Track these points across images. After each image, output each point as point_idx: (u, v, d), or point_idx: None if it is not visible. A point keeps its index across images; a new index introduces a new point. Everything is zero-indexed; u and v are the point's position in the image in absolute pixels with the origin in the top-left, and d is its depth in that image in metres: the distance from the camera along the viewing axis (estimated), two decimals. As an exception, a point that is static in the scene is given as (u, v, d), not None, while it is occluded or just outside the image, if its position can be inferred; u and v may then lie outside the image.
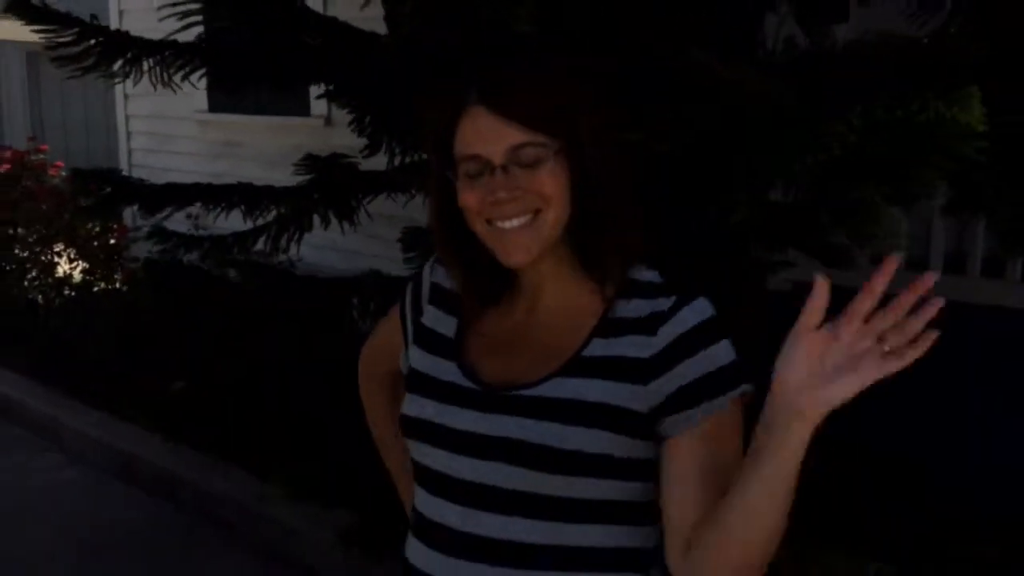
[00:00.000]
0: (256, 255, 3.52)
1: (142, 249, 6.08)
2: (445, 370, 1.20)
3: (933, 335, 0.89)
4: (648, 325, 1.11)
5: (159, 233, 3.05)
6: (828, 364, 0.93)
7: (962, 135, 1.29)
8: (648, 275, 1.17)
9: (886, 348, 0.91)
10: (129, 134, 7.31)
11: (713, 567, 1.04)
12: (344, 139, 3.16)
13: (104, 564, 3.63)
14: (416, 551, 1.19)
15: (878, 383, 0.93)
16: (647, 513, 1.15)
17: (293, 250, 3.72)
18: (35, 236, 6.09)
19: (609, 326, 1.13)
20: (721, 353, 1.10)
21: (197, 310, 3.37)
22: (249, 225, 3.17)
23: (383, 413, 1.43)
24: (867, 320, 0.92)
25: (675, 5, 2.18)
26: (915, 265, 4.04)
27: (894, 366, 0.90)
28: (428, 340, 1.25)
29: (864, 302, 0.91)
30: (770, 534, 1.00)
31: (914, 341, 0.90)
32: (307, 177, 3.05)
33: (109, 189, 3.18)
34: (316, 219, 3.17)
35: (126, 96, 7.12)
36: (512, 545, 1.10)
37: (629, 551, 1.14)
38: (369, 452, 1.56)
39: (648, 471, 1.12)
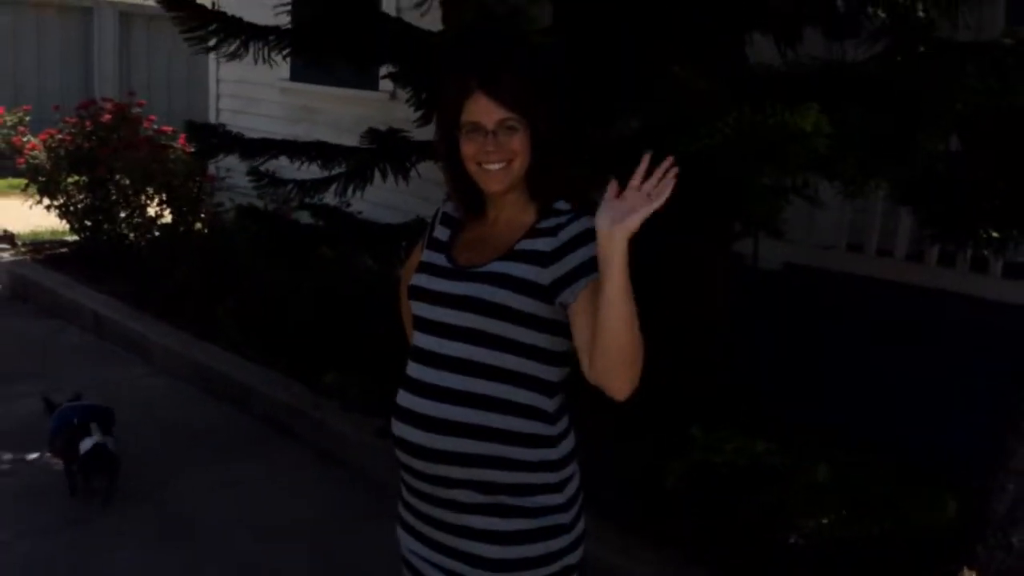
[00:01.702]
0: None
1: (223, 198, 6.89)
2: (438, 259, 1.94)
3: (671, 181, 1.65)
4: (554, 231, 1.83)
5: (255, 173, 3.79)
6: (623, 210, 1.65)
7: (797, 134, 1.94)
8: (561, 204, 1.89)
9: (650, 196, 1.65)
10: (218, 96, 8.13)
11: (603, 364, 1.72)
12: (404, 112, 3.86)
13: (185, 452, 4.41)
14: (402, 396, 1.90)
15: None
16: (553, 358, 1.85)
17: (356, 206, 4.45)
18: (129, 180, 6.82)
19: (533, 232, 1.85)
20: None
21: (276, 250, 4.09)
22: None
23: (411, 315, 2.15)
24: (639, 188, 1.67)
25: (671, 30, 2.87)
26: (883, 253, 4.63)
27: (656, 203, 1.65)
28: (433, 244, 2.00)
29: (636, 181, 1.67)
30: (627, 334, 1.68)
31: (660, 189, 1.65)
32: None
33: (215, 139, 3.94)
34: (377, 175, 3.89)
35: (218, 62, 7.87)
36: (468, 362, 1.82)
37: (540, 380, 1.85)
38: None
39: (549, 327, 1.81)
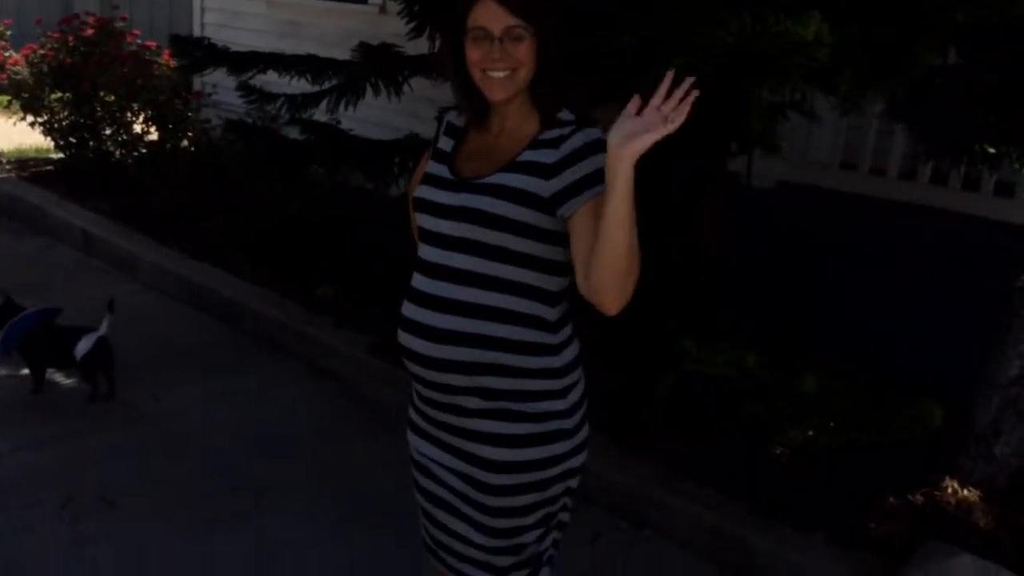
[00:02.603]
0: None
1: (209, 114, 6.79)
2: (440, 170, 1.93)
3: (689, 103, 1.61)
4: (556, 143, 1.81)
5: (245, 87, 3.73)
6: (637, 128, 1.62)
7: (798, 44, 1.91)
8: (566, 115, 1.86)
9: (667, 118, 1.62)
10: (203, 10, 7.95)
11: (598, 280, 1.73)
12: (395, 27, 3.79)
13: (177, 368, 4.44)
14: (406, 307, 1.92)
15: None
16: (555, 267, 1.85)
17: (346, 124, 4.38)
18: (114, 96, 6.70)
19: (536, 143, 1.83)
20: (600, 160, 1.75)
21: (266, 165, 4.06)
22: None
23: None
24: (658, 108, 1.63)
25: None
26: (876, 172, 4.64)
27: (671, 127, 1.61)
28: (438, 155, 1.98)
29: (657, 100, 1.63)
30: (626, 248, 1.68)
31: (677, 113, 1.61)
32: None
33: (200, 53, 3.86)
34: (368, 93, 3.83)
35: (202, -26, 7.70)
36: (470, 273, 1.83)
37: (542, 289, 1.86)
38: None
39: (549, 237, 1.81)
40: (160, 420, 3.95)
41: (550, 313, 1.88)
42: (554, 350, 1.89)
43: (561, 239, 1.82)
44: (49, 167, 7.35)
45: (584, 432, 1.97)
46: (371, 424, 4.00)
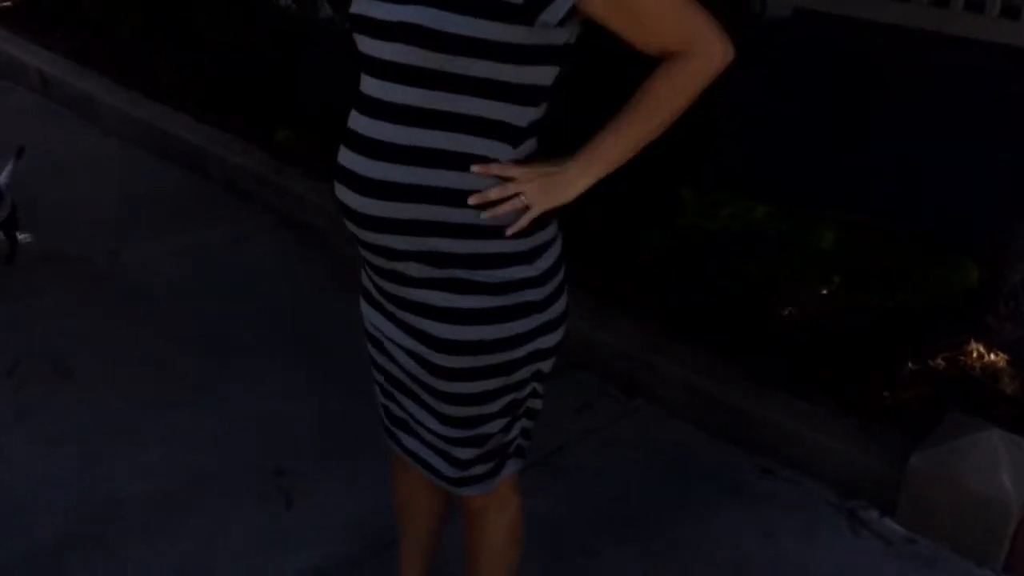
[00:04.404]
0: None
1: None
2: None
3: None
4: None
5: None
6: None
7: None
8: None
9: None
10: None
11: None
12: None
13: (142, 220, 4.11)
14: (341, 153, 1.55)
15: None
16: (523, 95, 1.46)
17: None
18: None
19: None
20: None
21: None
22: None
23: None
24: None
25: None
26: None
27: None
28: None
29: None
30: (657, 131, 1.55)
31: None
32: None
33: None
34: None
35: None
36: (410, 109, 1.45)
37: (503, 124, 1.47)
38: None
39: (520, 55, 1.41)
40: (119, 278, 3.65)
41: (511, 154, 1.50)
42: None
43: (538, 56, 1.43)
44: (7, 3, 6.82)
45: (560, 305, 1.62)
46: (344, 281, 3.68)
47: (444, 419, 1.66)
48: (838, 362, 2.77)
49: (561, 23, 1.40)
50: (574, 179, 1.53)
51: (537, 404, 1.79)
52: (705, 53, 1.47)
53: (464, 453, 1.70)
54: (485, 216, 1.48)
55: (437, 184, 1.47)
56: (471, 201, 1.47)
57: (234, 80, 4.71)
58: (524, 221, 1.51)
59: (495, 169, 1.48)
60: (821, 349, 2.82)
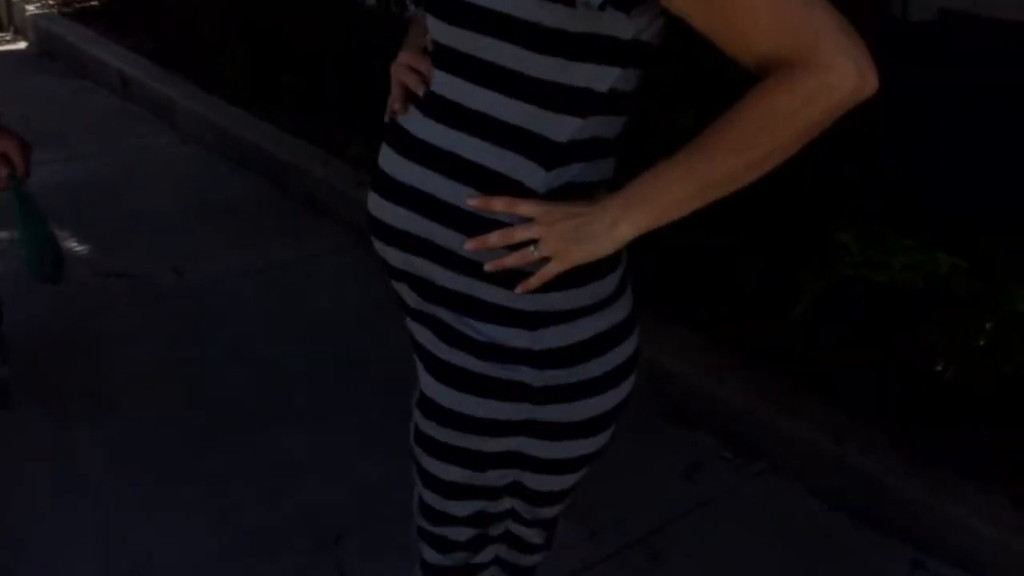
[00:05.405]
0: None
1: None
2: None
3: None
4: None
5: None
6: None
7: None
8: None
9: None
10: None
11: None
12: None
13: (215, 225, 3.87)
14: (385, 155, 1.20)
15: None
16: (556, 98, 1.07)
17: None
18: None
19: None
20: None
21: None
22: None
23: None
24: None
25: None
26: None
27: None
28: None
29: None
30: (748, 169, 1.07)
31: None
32: None
33: None
34: None
35: None
36: (442, 101, 1.12)
37: (526, 133, 1.08)
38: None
39: (561, 45, 1.04)
40: (180, 300, 3.38)
41: (541, 178, 1.09)
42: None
43: (586, 49, 1.04)
44: (94, 1, 6.71)
45: (579, 410, 1.17)
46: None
47: (416, 499, 1.33)
48: (1018, 447, 2.25)
49: (616, 7, 1.01)
50: (611, 224, 1.07)
51: (528, 535, 1.35)
52: (829, 67, 0.99)
53: (427, 554, 1.35)
54: (489, 267, 1.08)
55: (433, 193, 1.11)
56: (467, 246, 1.08)
57: (318, 88, 4.43)
58: (539, 280, 1.09)
59: (498, 204, 1.06)
60: (1000, 430, 2.27)
